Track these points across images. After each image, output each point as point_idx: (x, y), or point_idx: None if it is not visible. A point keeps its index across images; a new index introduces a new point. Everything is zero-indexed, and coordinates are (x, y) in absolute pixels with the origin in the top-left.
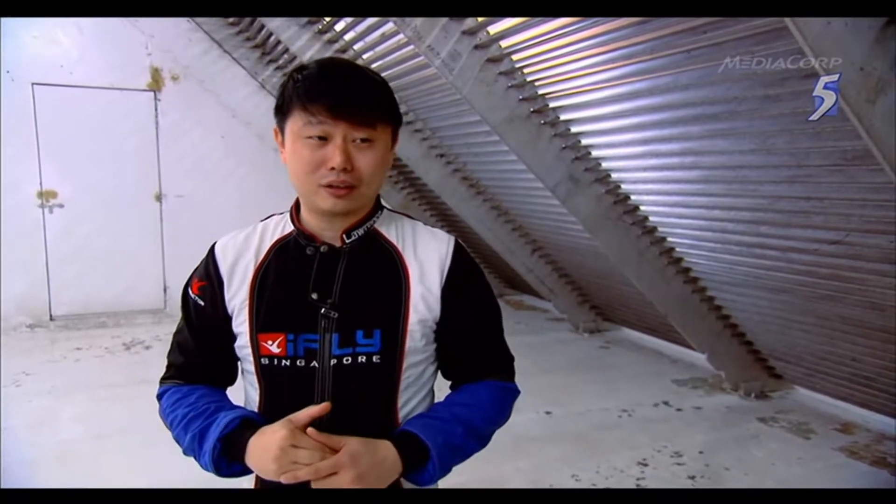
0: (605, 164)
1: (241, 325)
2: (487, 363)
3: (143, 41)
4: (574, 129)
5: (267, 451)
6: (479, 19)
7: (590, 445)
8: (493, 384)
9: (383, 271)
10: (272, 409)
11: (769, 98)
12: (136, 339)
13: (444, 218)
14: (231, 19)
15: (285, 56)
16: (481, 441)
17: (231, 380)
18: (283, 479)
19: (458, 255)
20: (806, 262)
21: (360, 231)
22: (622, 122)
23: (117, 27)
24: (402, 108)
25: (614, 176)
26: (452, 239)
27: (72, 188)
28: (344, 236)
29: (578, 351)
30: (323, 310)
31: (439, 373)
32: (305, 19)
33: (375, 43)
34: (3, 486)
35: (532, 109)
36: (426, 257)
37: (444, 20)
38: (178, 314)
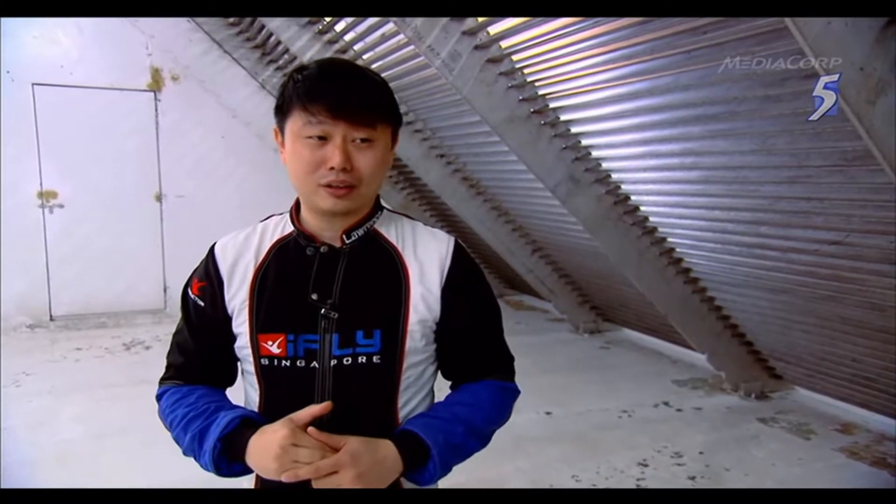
0: (605, 165)
1: (241, 325)
2: (487, 363)
3: (143, 41)
4: (574, 130)
5: (268, 450)
6: (480, 20)
7: (590, 446)
8: (494, 384)
9: (383, 271)
10: (272, 409)
11: (769, 98)
12: (136, 340)
13: (444, 218)
14: (231, 19)
15: (285, 56)
16: (482, 441)
17: (231, 380)
18: (284, 478)
19: (458, 255)
20: (806, 263)
21: (360, 231)
22: (622, 123)
23: (117, 27)
24: (403, 109)
25: (614, 176)
26: (452, 239)
27: (72, 188)
28: (344, 237)
29: (578, 351)
30: (323, 310)
31: (439, 373)
32: (306, 20)
33: (376, 43)
34: (3, 486)
35: (532, 110)
36: (426, 257)
37: (444, 20)
38: (178, 314)
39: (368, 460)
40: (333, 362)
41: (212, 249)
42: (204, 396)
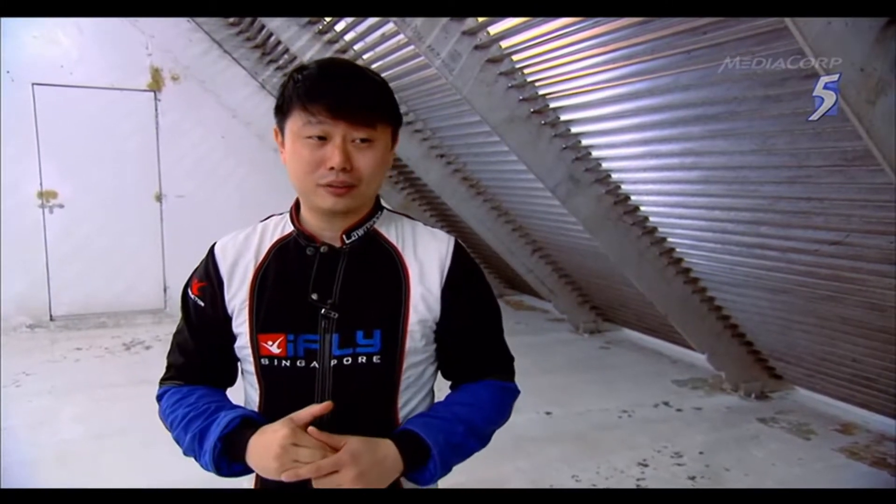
0: (605, 165)
1: (241, 325)
2: (487, 363)
3: (143, 41)
4: (574, 130)
5: (268, 450)
6: (480, 20)
7: (590, 446)
8: (494, 384)
9: (383, 271)
10: (272, 409)
11: (769, 98)
12: (136, 340)
13: (444, 218)
14: (231, 19)
15: (285, 56)
16: (482, 440)
17: (231, 380)
18: (285, 478)
19: (458, 255)
20: (806, 263)
21: (360, 231)
22: (622, 123)
23: (117, 27)
24: (403, 109)
25: (614, 176)
26: (452, 239)
27: (72, 188)
28: (344, 236)
29: (578, 351)
30: (323, 310)
31: (439, 373)
32: (306, 19)
33: (376, 43)
34: (3, 486)
35: (532, 110)
36: (426, 257)
37: (444, 20)
38: (178, 314)
39: (369, 460)
40: (333, 362)
41: (212, 249)
42: (204, 396)
